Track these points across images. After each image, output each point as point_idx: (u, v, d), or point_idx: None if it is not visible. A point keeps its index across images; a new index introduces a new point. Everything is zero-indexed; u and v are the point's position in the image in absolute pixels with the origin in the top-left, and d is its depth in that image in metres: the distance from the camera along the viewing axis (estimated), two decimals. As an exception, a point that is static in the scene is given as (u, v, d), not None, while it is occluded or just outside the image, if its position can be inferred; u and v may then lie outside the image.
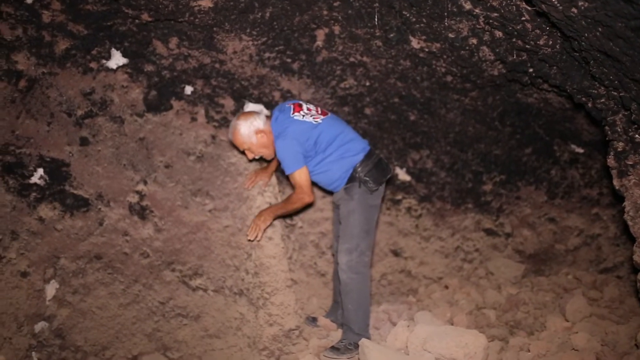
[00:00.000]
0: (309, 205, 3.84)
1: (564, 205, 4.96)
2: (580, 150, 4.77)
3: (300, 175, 3.48)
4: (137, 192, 3.98)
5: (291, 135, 3.44)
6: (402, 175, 4.60)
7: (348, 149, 3.54)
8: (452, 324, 3.77)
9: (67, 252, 3.90)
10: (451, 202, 4.77)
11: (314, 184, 3.71)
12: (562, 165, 4.83)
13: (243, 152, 3.78)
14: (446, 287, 4.55)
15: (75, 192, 3.88)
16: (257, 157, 3.73)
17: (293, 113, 3.53)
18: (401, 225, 4.68)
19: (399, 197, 4.64)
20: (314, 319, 4.03)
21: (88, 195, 3.90)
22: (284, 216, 3.76)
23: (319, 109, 3.64)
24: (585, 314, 3.65)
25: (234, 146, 3.85)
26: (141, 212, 3.99)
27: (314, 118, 3.54)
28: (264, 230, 3.63)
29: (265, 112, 4.11)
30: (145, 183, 3.99)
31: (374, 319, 3.94)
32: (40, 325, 3.88)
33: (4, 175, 3.67)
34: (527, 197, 4.89)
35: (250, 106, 4.10)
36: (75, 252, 3.91)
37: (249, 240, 3.71)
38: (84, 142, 3.87)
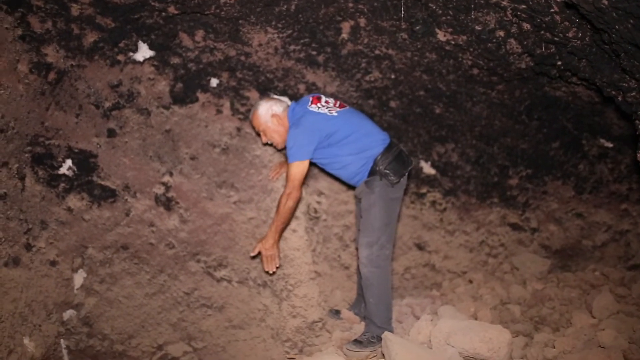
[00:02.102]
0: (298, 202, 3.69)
1: (592, 200, 4.89)
2: (610, 145, 4.69)
3: (299, 168, 3.44)
4: (163, 184, 4.03)
5: (304, 124, 3.45)
6: (427, 168, 4.57)
7: (366, 142, 3.52)
8: (476, 319, 3.75)
9: (95, 242, 3.97)
10: (476, 196, 4.73)
11: (336, 178, 3.70)
12: (591, 160, 4.76)
13: (259, 135, 3.83)
14: (470, 281, 4.53)
15: (102, 183, 3.94)
16: (269, 143, 3.79)
17: (310, 105, 3.55)
18: (425, 219, 4.66)
19: (424, 190, 4.62)
20: (337, 312, 4.04)
21: (115, 186, 3.96)
22: (285, 226, 3.65)
23: (337, 102, 3.63)
24: (613, 311, 3.60)
25: (252, 128, 3.89)
26: (167, 203, 4.04)
27: (329, 110, 3.54)
28: (278, 255, 3.58)
29: (289, 103, 4.12)
30: (171, 174, 4.03)
31: (397, 313, 3.94)
32: (68, 313, 3.96)
33: (34, 166, 3.74)
34: (554, 192, 4.83)
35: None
36: (103, 242, 3.98)
37: (270, 273, 3.69)
38: (111, 133, 3.93)
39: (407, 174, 3.58)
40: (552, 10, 3.06)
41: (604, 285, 4.20)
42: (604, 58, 3.24)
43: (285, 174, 3.97)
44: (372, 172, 3.50)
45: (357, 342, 3.44)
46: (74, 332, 3.99)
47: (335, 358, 2.93)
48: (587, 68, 3.41)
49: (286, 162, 3.97)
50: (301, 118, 3.48)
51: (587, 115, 4.45)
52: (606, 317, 3.56)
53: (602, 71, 3.32)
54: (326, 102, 3.60)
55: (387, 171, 3.47)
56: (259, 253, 3.58)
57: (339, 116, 3.53)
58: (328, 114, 3.51)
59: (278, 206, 3.51)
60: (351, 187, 4.25)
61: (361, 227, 3.55)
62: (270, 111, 3.66)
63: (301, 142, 3.43)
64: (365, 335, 3.47)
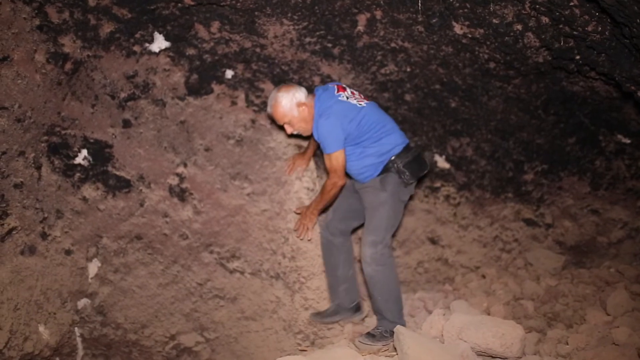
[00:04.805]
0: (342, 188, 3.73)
1: (608, 196, 4.84)
2: (627, 141, 4.63)
3: (338, 158, 3.44)
4: (177, 175, 4.04)
5: (335, 114, 3.40)
6: (442, 162, 4.55)
7: (387, 139, 3.51)
8: (488, 314, 3.74)
9: (109, 232, 4.00)
10: (491, 191, 4.70)
11: None
12: (608, 156, 4.70)
13: (281, 127, 3.74)
14: (483, 276, 4.51)
15: (117, 173, 3.96)
16: (294, 132, 3.65)
17: (337, 92, 3.51)
18: (439, 213, 4.64)
19: (438, 184, 4.59)
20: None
21: (130, 176, 3.98)
22: (326, 208, 3.75)
23: (361, 95, 3.62)
24: (627, 308, 3.56)
25: (272, 120, 3.79)
26: (181, 194, 4.05)
27: (358, 101, 3.51)
28: (312, 227, 3.70)
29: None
30: (186, 166, 4.04)
31: (409, 307, 3.93)
32: (82, 302, 4.00)
33: (50, 155, 3.77)
34: (570, 188, 4.79)
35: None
36: (117, 232, 4.01)
37: (300, 238, 3.78)
38: (126, 124, 3.95)
39: (418, 178, 3.59)
40: (572, 4, 3.03)
41: (618, 282, 4.16)
42: (623, 52, 3.20)
43: (300, 168, 3.98)
44: (386, 169, 3.49)
45: (370, 335, 3.44)
46: (88, 320, 4.03)
47: (347, 351, 2.92)
48: (606, 62, 3.37)
49: (304, 156, 3.97)
50: (332, 107, 3.43)
51: (604, 110, 4.40)
52: (621, 315, 3.53)
53: (621, 66, 3.28)
54: (352, 92, 3.57)
55: (405, 169, 3.46)
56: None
57: (367, 108, 3.50)
58: (357, 104, 3.49)
59: (323, 190, 3.57)
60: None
61: (366, 225, 3.52)
62: (294, 100, 3.51)
63: (335, 132, 3.40)
64: (378, 329, 3.46)
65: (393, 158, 3.49)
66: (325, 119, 3.40)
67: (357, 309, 3.81)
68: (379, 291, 3.47)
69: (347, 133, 3.43)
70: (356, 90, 3.66)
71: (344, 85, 3.61)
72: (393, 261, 3.54)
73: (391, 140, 3.51)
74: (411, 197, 3.83)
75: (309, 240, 3.79)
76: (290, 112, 3.52)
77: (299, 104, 3.51)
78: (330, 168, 3.49)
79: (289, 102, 3.51)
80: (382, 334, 3.41)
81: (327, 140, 3.41)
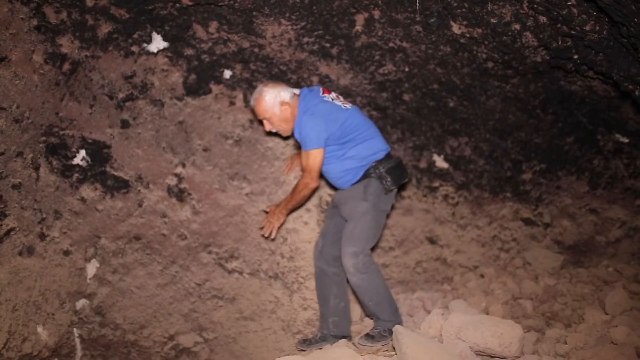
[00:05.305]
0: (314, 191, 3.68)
1: (606, 196, 4.84)
2: (625, 140, 4.64)
3: (316, 157, 3.42)
4: (176, 175, 4.04)
5: (320, 113, 3.41)
6: (440, 162, 4.55)
7: (370, 143, 3.51)
8: (487, 314, 3.74)
9: (108, 232, 3.99)
10: (489, 191, 4.70)
11: (322, 177, 3.63)
12: (606, 155, 4.71)
13: (261, 122, 3.71)
14: (482, 276, 4.50)
15: (115, 173, 3.96)
16: (273, 131, 3.64)
17: (323, 94, 3.53)
18: (437, 212, 4.64)
19: (436, 184, 4.59)
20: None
21: (128, 177, 3.98)
22: (295, 208, 3.72)
23: (346, 100, 3.65)
24: (626, 308, 3.56)
25: (253, 113, 3.75)
26: (179, 194, 4.05)
27: (342, 104, 3.53)
28: (278, 228, 3.63)
29: (295, 90, 4.09)
30: (184, 166, 4.04)
31: (408, 306, 3.93)
32: (81, 303, 4.00)
33: (48, 156, 3.77)
34: (568, 187, 4.79)
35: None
36: (115, 232, 4.00)
37: (264, 237, 3.73)
38: (124, 124, 3.94)
39: (398, 187, 3.57)
40: (569, 3, 3.03)
41: (617, 281, 4.16)
42: (621, 52, 3.20)
43: (298, 168, 3.98)
44: (366, 175, 3.48)
45: (368, 336, 3.42)
46: (86, 321, 4.03)
47: (346, 351, 2.92)
48: (604, 62, 3.37)
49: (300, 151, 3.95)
50: (317, 105, 3.44)
51: (602, 109, 4.40)
52: (619, 314, 3.53)
53: (619, 65, 3.28)
54: (337, 96, 3.60)
55: (387, 175, 3.45)
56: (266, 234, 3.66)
57: (351, 110, 3.52)
58: (342, 106, 3.50)
59: (294, 190, 3.54)
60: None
61: (347, 235, 3.45)
62: (278, 98, 3.51)
63: (318, 129, 3.38)
64: (376, 330, 3.44)
65: (375, 163, 3.48)
66: (309, 116, 3.41)
67: (344, 337, 3.67)
68: (369, 297, 3.45)
69: (329, 133, 3.42)
70: (340, 96, 3.67)
71: (329, 89, 3.64)
72: (376, 266, 3.50)
73: (373, 144, 3.51)
74: (393, 206, 3.78)
75: (272, 239, 3.76)
76: (272, 109, 3.52)
77: (282, 103, 3.52)
78: (305, 167, 3.46)
79: (273, 98, 3.51)
80: (381, 334, 3.40)
81: (308, 136, 3.40)
